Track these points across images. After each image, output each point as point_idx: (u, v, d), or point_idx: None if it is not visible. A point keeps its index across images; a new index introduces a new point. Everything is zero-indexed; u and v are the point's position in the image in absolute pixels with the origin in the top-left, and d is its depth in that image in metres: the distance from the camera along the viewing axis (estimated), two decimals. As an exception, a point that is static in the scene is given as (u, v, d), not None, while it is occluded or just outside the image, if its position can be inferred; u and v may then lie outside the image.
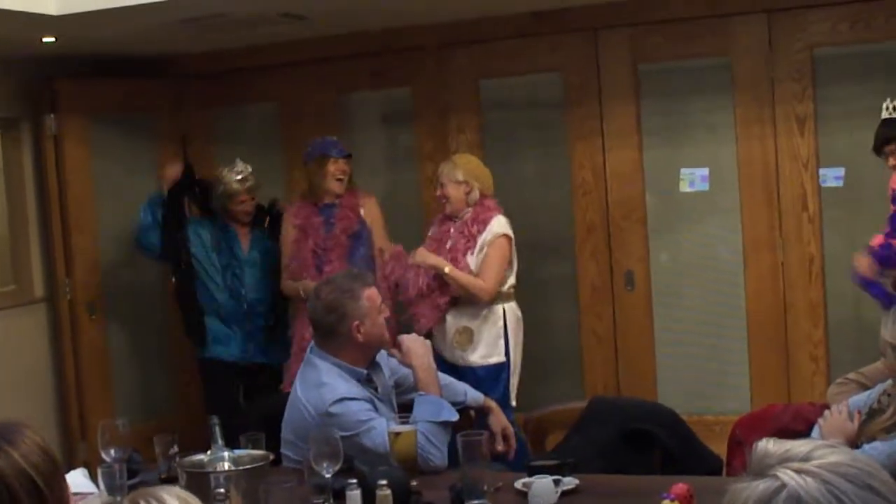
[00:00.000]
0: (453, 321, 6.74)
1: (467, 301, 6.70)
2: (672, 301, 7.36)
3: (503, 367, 6.70)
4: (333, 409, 4.53)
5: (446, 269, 6.64)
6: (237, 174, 7.41)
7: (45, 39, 7.04)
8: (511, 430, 5.06)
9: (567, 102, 7.60)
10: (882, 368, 5.10)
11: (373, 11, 7.11)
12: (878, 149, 6.04)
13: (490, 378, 6.62)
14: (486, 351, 6.70)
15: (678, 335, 7.41)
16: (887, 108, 6.00)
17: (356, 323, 4.67)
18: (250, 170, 7.46)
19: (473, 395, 5.16)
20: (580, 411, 5.02)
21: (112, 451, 4.31)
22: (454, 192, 6.76)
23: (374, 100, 8.30)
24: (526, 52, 7.62)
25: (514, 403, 6.68)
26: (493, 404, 5.16)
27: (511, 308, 6.78)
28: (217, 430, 4.35)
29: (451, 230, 6.81)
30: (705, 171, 7.30)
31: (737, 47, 7.18)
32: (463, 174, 6.76)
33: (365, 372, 4.75)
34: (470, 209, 6.77)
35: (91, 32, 6.94)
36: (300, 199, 7.38)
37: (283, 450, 4.72)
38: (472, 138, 7.80)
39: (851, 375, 5.32)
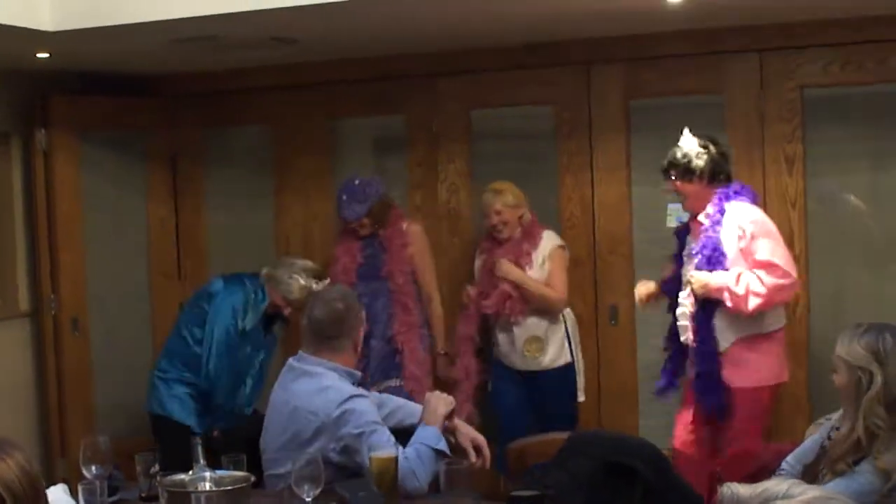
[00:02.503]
0: (521, 332, 7.12)
1: (533, 312, 7.11)
2: (656, 336, 7.36)
3: (570, 367, 7.19)
4: (348, 405, 4.66)
5: (530, 283, 7.05)
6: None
7: (38, 55, 7.04)
8: (481, 439, 5.06)
9: (558, 135, 7.61)
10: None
11: (366, 38, 7.13)
12: (666, 170, 6.48)
13: (560, 378, 7.15)
14: (554, 355, 7.13)
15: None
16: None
17: (361, 329, 4.98)
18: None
19: None
20: (561, 443, 5.02)
21: (93, 468, 4.30)
22: (511, 216, 7.11)
23: (365, 126, 8.31)
24: (518, 84, 7.64)
25: (582, 398, 7.26)
26: (455, 422, 5.19)
27: (568, 312, 7.23)
28: (199, 449, 4.35)
29: (500, 251, 7.14)
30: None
31: (728, 85, 7.21)
32: (514, 199, 7.11)
33: (359, 374, 4.98)
34: (519, 230, 7.13)
35: (85, 49, 6.95)
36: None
37: (271, 470, 4.74)
38: (462, 168, 7.81)
39: (832, 416, 5.32)
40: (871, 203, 7.13)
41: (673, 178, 6.40)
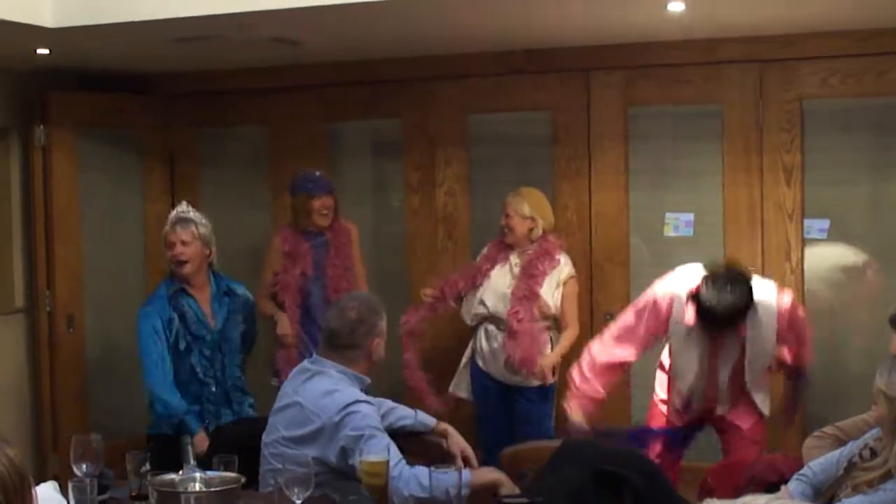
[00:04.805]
0: (504, 350, 6.96)
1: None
2: (650, 345, 7.37)
3: (551, 387, 7.02)
4: (351, 409, 4.63)
5: (561, 352, 6.96)
6: (170, 218, 6.71)
7: (39, 51, 7.04)
8: (471, 452, 5.07)
9: (555, 141, 7.62)
10: (859, 423, 5.11)
11: (366, 42, 7.13)
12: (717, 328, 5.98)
13: (541, 396, 7.00)
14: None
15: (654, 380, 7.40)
16: (712, 296, 5.80)
17: (377, 340, 4.89)
18: (193, 215, 6.72)
19: (422, 418, 5.23)
20: (553, 451, 5.02)
21: (84, 466, 4.29)
22: (519, 225, 6.97)
23: (363, 129, 8.31)
24: (517, 89, 7.64)
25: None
26: (448, 428, 5.18)
27: (554, 334, 7.05)
28: (189, 449, 4.35)
29: (511, 260, 7.02)
30: (690, 217, 7.32)
31: (727, 95, 7.21)
32: (530, 209, 6.98)
33: (368, 380, 4.91)
34: (533, 244, 6.99)
35: (85, 46, 6.95)
36: (287, 225, 7.45)
37: (267, 466, 4.74)
38: (459, 172, 7.81)
39: (828, 429, 5.31)
40: (869, 215, 7.14)
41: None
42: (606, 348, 6.24)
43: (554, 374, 6.95)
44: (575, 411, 6.20)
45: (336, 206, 7.34)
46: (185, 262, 6.56)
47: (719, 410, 6.20)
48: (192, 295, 6.61)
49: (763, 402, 6.17)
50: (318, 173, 7.34)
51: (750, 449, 6.17)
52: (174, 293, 6.58)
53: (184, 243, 6.56)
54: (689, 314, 5.96)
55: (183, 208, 6.77)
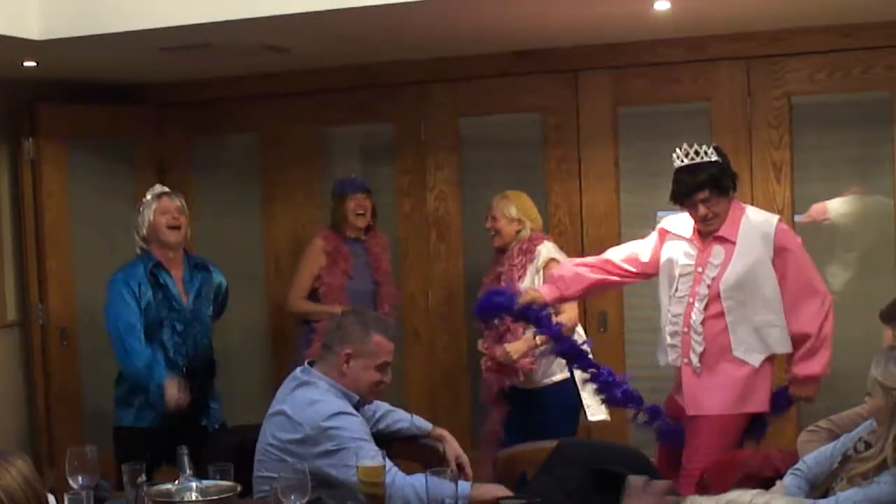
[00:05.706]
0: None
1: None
2: (645, 344, 7.36)
3: (567, 383, 6.78)
4: (331, 422, 4.57)
5: (518, 347, 6.68)
6: (156, 191, 6.72)
7: (26, 63, 7.04)
8: (466, 459, 5.08)
9: (546, 143, 7.62)
10: (853, 416, 5.11)
11: (356, 46, 7.13)
12: (687, 196, 5.91)
13: (555, 394, 6.80)
14: (546, 369, 6.78)
15: (649, 378, 7.39)
16: (684, 156, 5.90)
17: (348, 351, 4.73)
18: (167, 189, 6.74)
19: (418, 422, 5.23)
20: (549, 451, 5.02)
21: (80, 478, 4.28)
22: (506, 227, 6.88)
23: (353, 134, 8.32)
24: (507, 91, 7.65)
25: (603, 417, 6.80)
26: (444, 433, 5.18)
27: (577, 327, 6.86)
28: (186, 459, 4.34)
29: (504, 262, 6.89)
30: (681, 215, 7.33)
31: (716, 93, 7.22)
32: (517, 211, 6.89)
33: (357, 397, 4.78)
34: (518, 244, 6.87)
35: (73, 58, 6.94)
36: (328, 228, 7.42)
37: (259, 473, 4.72)
38: (451, 175, 7.82)
39: (822, 423, 5.31)
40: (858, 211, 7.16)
41: (705, 198, 5.85)
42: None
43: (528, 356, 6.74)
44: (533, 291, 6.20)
45: (374, 211, 7.36)
46: (179, 227, 6.61)
47: (693, 359, 5.95)
48: (168, 270, 6.60)
49: (753, 347, 5.87)
50: (354, 175, 7.48)
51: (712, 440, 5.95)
52: (152, 268, 6.56)
53: (178, 210, 6.62)
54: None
55: (161, 188, 6.77)
